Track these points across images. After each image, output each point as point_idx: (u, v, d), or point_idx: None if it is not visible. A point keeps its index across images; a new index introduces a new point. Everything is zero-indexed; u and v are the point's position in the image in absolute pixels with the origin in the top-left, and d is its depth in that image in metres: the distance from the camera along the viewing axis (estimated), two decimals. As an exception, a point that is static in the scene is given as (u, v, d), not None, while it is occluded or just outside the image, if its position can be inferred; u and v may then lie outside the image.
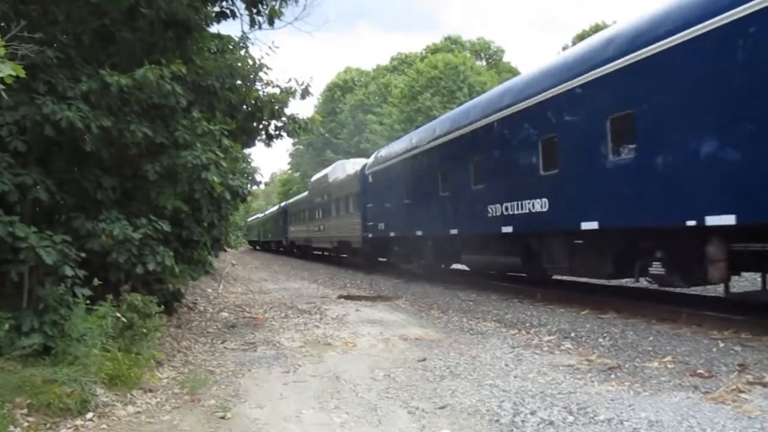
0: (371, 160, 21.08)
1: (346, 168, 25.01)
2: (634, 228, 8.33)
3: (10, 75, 3.30)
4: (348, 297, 12.92)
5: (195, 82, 7.69)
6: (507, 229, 11.22)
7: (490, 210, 11.81)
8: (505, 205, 11.30)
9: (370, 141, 45.89)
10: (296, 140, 57.29)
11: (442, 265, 16.52)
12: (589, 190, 9.04)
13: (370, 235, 19.80)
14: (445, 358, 6.45)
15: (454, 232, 13.56)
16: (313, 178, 31.99)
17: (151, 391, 5.20)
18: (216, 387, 5.43)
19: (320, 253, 32.44)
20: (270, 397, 5.07)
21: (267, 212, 54.13)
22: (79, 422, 4.29)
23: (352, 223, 21.97)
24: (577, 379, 5.39)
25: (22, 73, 3.39)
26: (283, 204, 43.40)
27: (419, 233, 15.68)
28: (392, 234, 17.73)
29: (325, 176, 27.51)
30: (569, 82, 9.40)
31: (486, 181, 12.24)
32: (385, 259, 20.79)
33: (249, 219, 62.09)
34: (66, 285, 5.65)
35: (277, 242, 45.27)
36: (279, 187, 76.19)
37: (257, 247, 59.94)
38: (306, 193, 33.73)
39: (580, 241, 9.67)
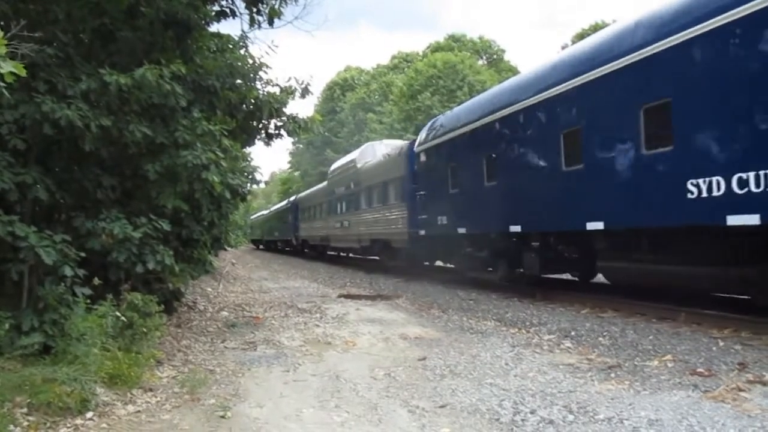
0: (423, 134, 15.83)
1: (380, 150, 20.62)
2: None
3: (11, 73, 3.30)
4: (348, 296, 12.92)
5: (195, 82, 7.69)
6: (745, 220, 6.54)
7: (692, 188, 7.14)
8: (739, 176, 6.54)
9: (371, 140, 45.85)
10: (296, 139, 57.25)
11: (552, 275, 12.24)
12: None
13: (423, 232, 15.12)
14: (445, 357, 6.45)
15: (593, 226, 8.81)
16: (334, 166, 27.07)
17: (151, 390, 5.20)
18: (216, 386, 5.43)
19: (337, 254, 28.83)
20: (270, 396, 5.07)
21: (273, 208, 49.74)
22: (79, 421, 4.29)
23: (392, 216, 17.55)
24: (577, 378, 5.39)
25: (23, 72, 3.39)
26: (292, 198, 38.85)
27: (515, 229, 10.96)
28: (462, 230, 13.02)
29: (352, 162, 22.77)
30: None
31: (686, 139, 7.32)
32: (441, 263, 16.96)
33: (252, 216, 58.60)
34: (66, 284, 5.65)
35: (285, 241, 40.40)
36: (279, 186, 76.17)
37: (260, 247, 56.49)
38: (324, 184, 28.66)
39: None
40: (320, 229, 28.27)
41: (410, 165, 16.32)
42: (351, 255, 26.80)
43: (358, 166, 21.65)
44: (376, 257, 21.42)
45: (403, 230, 16.63)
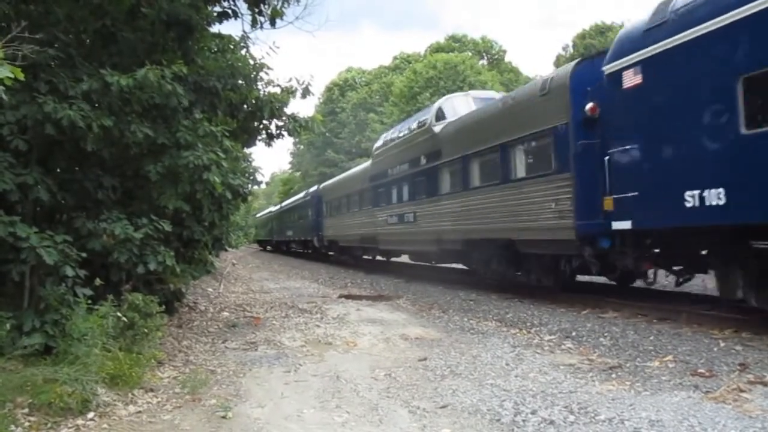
0: (638, 30, 8.25)
1: (464, 105, 14.35)
2: None
3: (9, 77, 3.33)
4: (349, 296, 12.92)
5: (196, 83, 7.70)
6: None
7: None
8: None
9: (372, 140, 45.87)
10: (297, 140, 57.25)
11: None
12: None
13: (625, 225, 8.18)
14: (446, 357, 6.45)
15: None
16: (385, 138, 19.62)
17: (152, 390, 5.21)
18: (217, 386, 5.43)
19: (377, 258, 21.75)
20: (271, 397, 5.08)
21: (285, 203, 42.46)
22: (80, 422, 4.30)
23: (530, 200, 10.32)
24: (578, 379, 5.39)
25: (21, 76, 3.41)
26: (313, 189, 31.22)
27: None
28: None
29: (423, 125, 15.50)
30: None
31: None
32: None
33: (258, 214, 54.70)
34: (67, 285, 5.66)
35: (302, 242, 33.07)
36: (280, 186, 76.19)
37: (268, 248, 51.13)
38: (364, 166, 21.99)
39: None
40: (359, 227, 20.89)
41: (577, 104, 9.18)
42: (411, 261, 19.58)
43: (436, 130, 14.51)
44: (468, 267, 14.73)
45: (560, 223, 9.43)
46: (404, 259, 20.09)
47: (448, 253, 14.42)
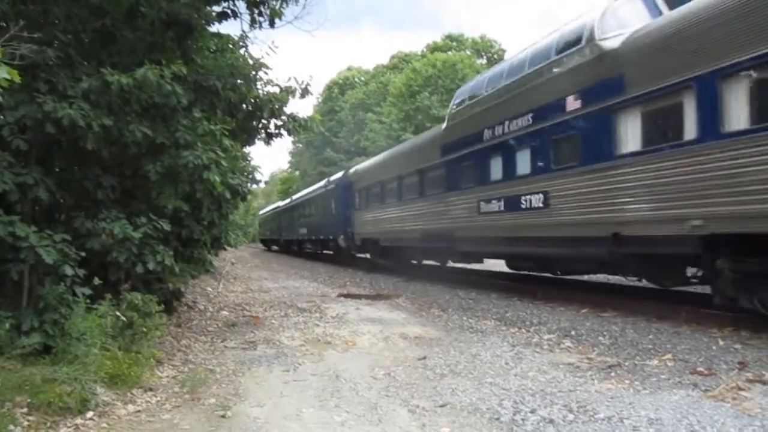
0: None
1: (629, 12, 9.13)
2: None
3: (6, 78, 3.34)
4: (348, 295, 12.92)
5: (196, 82, 7.69)
6: None
7: None
8: None
9: (370, 139, 45.87)
10: (296, 139, 57.19)
11: None
12: None
13: None
14: (446, 356, 6.45)
15: None
16: (477, 83, 13.34)
17: (151, 389, 5.21)
18: (216, 386, 5.43)
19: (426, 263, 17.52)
20: (270, 396, 5.08)
21: (296, 196, 35.40)
22: (79, 421, 4.30)
23: None
24: (577, 378, 5.39)
25: (18, 78, 3.41)
26: (337, 177, 25.17)
27: None
28: None
29: (577, 41, 9.48)
30: None
31: None
32: None
33: (262, 211, 51.10)
34: (66, 284, 5.65)
35: (322, 241, 27.00)
36: (279, 185, 76.21)
37: (273, 248, 46.42)
38: (434, 132, 15.86)
39: None
40: (419, 220, 15.64)
41: None
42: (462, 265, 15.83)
43: (610, 45, 8.77)
44: (679, 283, 9.22)
45: None
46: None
47: (626, 260, 8.74)
